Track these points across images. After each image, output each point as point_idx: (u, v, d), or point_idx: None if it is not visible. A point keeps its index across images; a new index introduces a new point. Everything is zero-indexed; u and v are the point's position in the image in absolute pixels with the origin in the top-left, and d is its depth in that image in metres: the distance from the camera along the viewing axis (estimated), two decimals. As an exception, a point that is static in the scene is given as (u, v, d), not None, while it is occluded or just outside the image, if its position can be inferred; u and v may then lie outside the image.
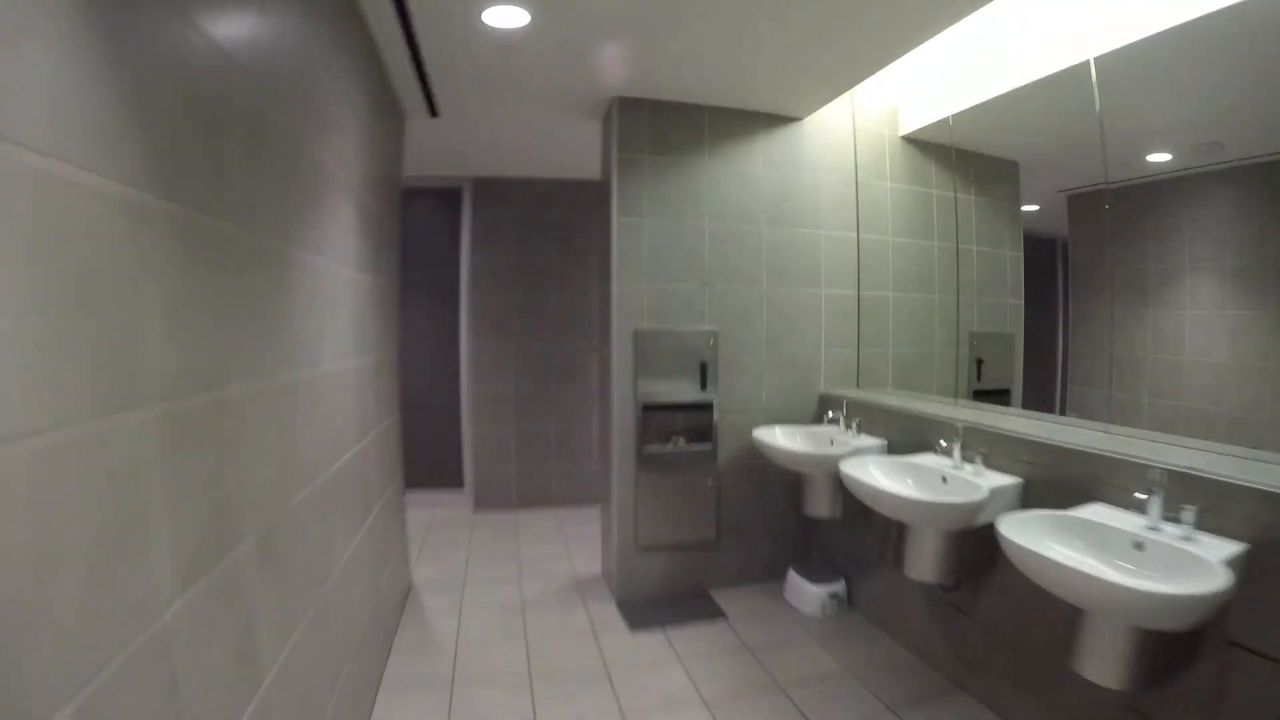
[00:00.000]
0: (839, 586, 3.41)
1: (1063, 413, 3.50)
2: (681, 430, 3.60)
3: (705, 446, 3.62)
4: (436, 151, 4.43)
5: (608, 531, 3.74)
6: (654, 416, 3.58)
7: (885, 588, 3.15)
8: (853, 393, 3.66)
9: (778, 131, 3.67)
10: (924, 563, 2.45)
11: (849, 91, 3.47)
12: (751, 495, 3.71)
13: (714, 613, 3.38)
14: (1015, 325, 3.68)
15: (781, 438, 3.48)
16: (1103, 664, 1.72)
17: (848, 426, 3.36)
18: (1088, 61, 2.94)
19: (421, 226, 5.17)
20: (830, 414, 3.51)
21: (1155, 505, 1.83)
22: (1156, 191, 3.60)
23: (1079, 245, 3.95)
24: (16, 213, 0.76)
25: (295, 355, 1.65)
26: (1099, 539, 1.88)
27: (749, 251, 3.63)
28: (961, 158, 3.76)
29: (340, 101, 2.12)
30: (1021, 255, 3.73)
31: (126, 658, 0.92)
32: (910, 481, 2.66)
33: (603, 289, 3.70)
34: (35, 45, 0.78)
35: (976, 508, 2.23)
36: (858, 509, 3.00)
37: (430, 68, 2.99)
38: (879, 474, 2.70)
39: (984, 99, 3.37)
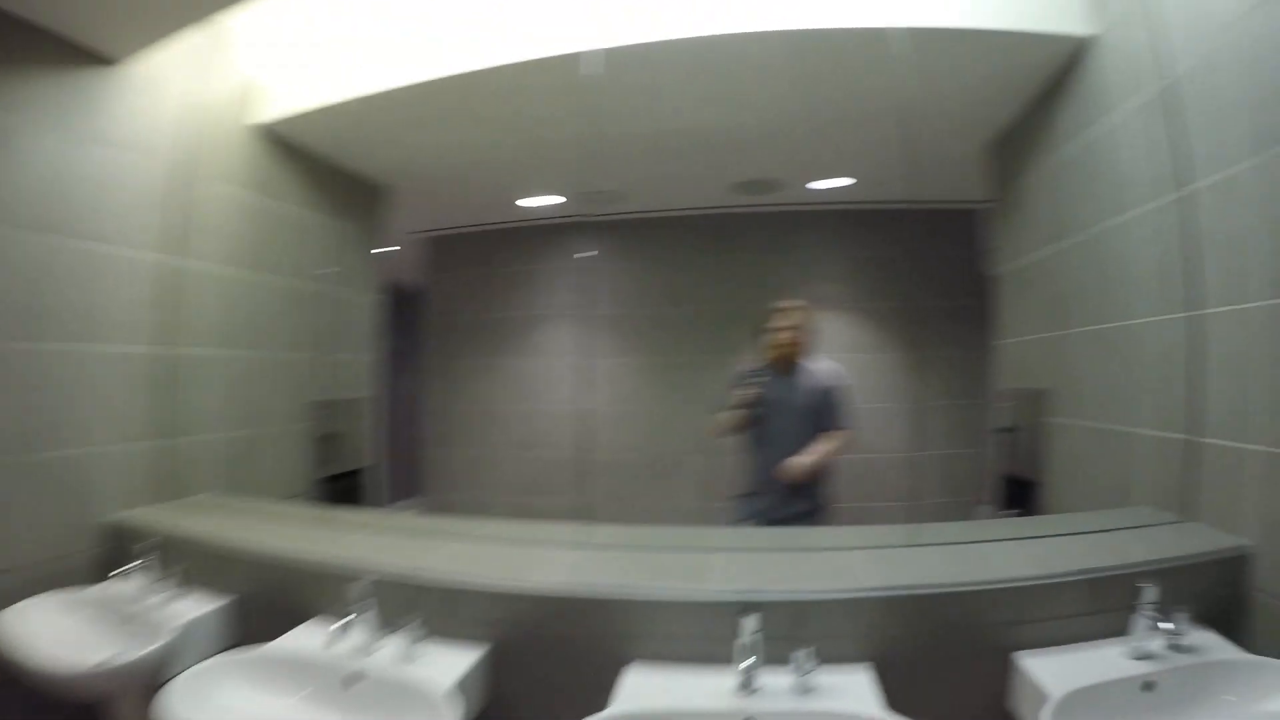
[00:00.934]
0: None
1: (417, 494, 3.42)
2: None
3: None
4: None
5: None
6: None
7: None
8: (168, 517, 2.32)
9: (73, 75, 2.20)
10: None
11: (202, 38, 2.45)
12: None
13: None
14: (366, 386, 3.14)
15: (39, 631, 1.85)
16: None
17: (165, 580, 2.01)
18: (477, 71, 2.45)
19: None
20: (134, 561, 2.06)
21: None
22: (533, 237, 3.57)
23: (438, 293, 3.77)
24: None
25: None
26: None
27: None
28: (325, 170, 2.96)
29: None
30: (379, 302, 3.21)
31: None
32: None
33: None
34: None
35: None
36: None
37: None
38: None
39: (360, 93, 2.60)
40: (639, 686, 1.55)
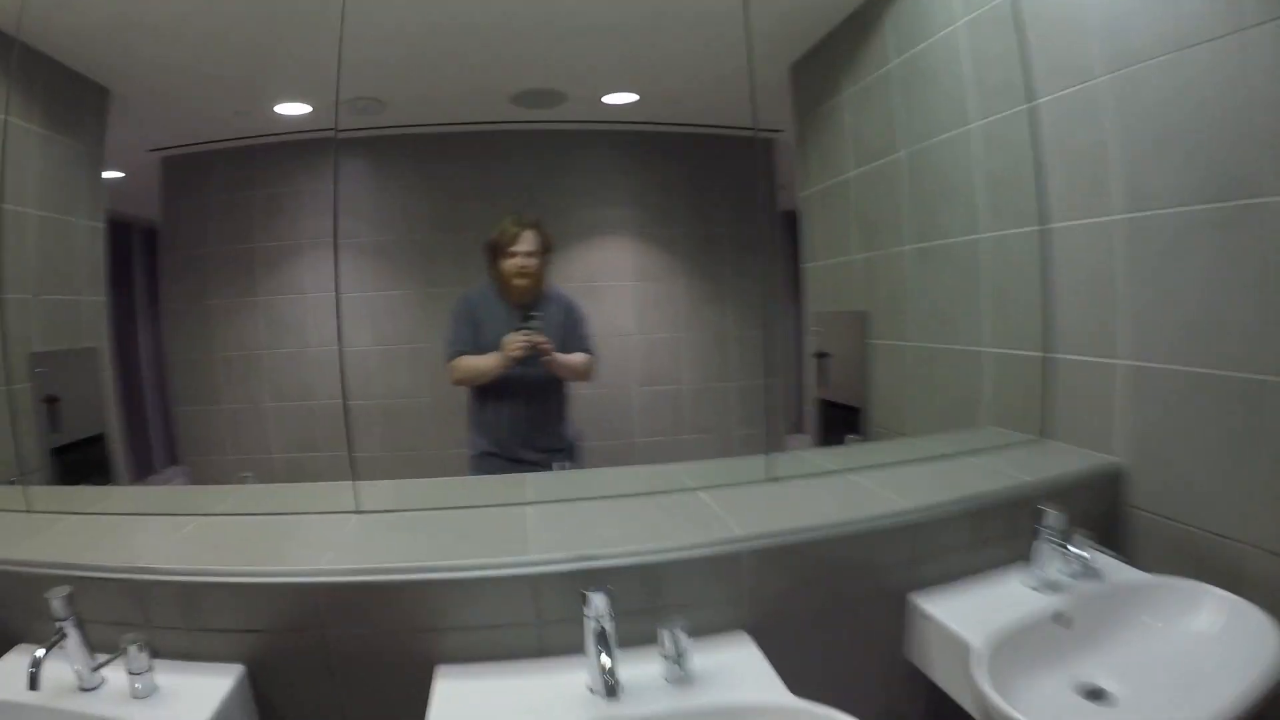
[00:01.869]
0: None
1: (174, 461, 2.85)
2: None
3: None
4: None
5: None
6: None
7: None
8: None
9: None
10: None
11: None
12: None
13: None
14: (99, 334, 2.47)
15: None
16: None
17: None
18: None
19: None
20: None
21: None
22: (278, 156, 2.96)
23: (181, 221, 2.95)
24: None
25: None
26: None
27: None
28: (34, 67, 2.14)
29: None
30: (103, 230, 2.49)
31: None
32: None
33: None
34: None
35: None
36: None
37: None
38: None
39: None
40: (457, 701, 1.10)
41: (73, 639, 1.10)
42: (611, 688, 1.03)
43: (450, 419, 2.51)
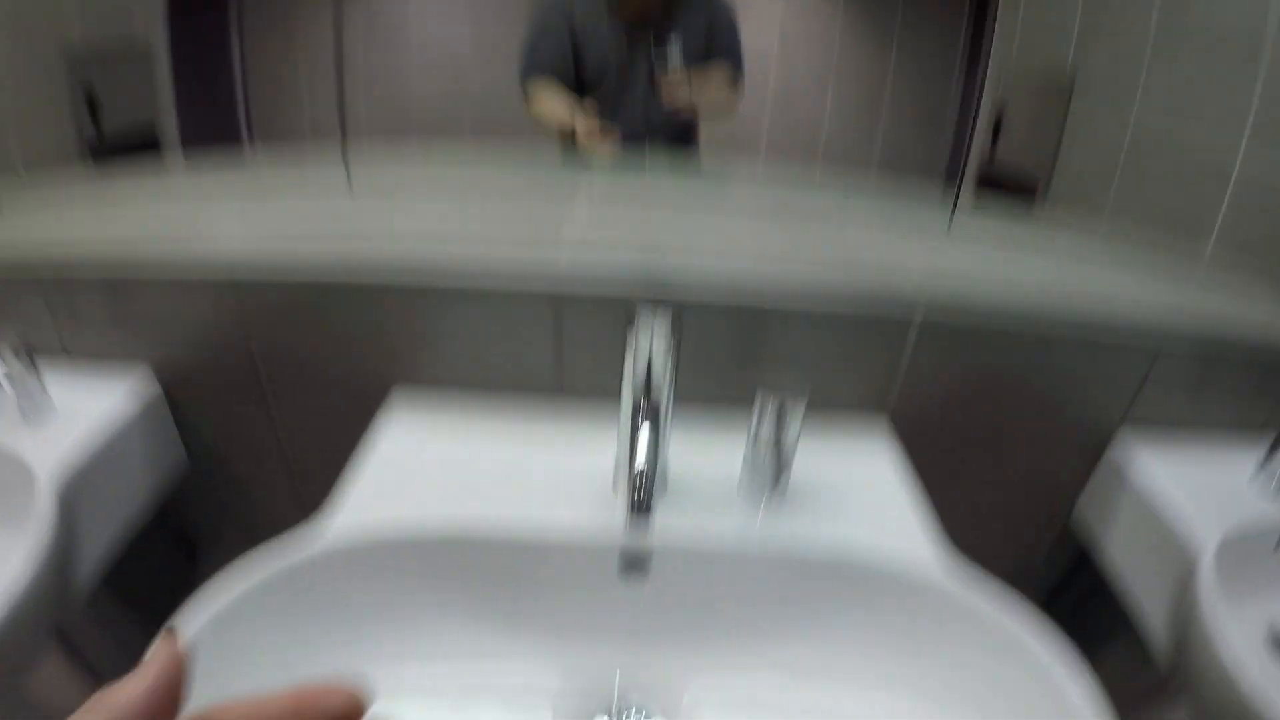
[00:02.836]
0: None
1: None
2: None
3: None
4: None
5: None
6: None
7: None
8: None
9: None
10: None
11: None
12: None
13: None
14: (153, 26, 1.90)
15: None
16: None
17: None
18: None
19: None
20: None
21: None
22: None
23: None
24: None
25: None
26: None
27: None
28: None
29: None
30: None
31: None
32: None
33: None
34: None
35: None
36: None
37: None
38: None
39: None
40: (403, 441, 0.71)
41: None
42: (643, 503, 0.55)
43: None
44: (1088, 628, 1.00)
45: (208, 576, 1.07)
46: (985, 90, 1.32)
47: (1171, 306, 0.87)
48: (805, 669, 0.65)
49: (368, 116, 1.69)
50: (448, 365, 0.79)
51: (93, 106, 1.50)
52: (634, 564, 0.65)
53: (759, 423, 0.65)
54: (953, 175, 1.91)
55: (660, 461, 0.60)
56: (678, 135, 1.42)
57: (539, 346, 0.76)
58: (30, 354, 0.77)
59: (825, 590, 0.64)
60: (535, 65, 1.39)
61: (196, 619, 0.54)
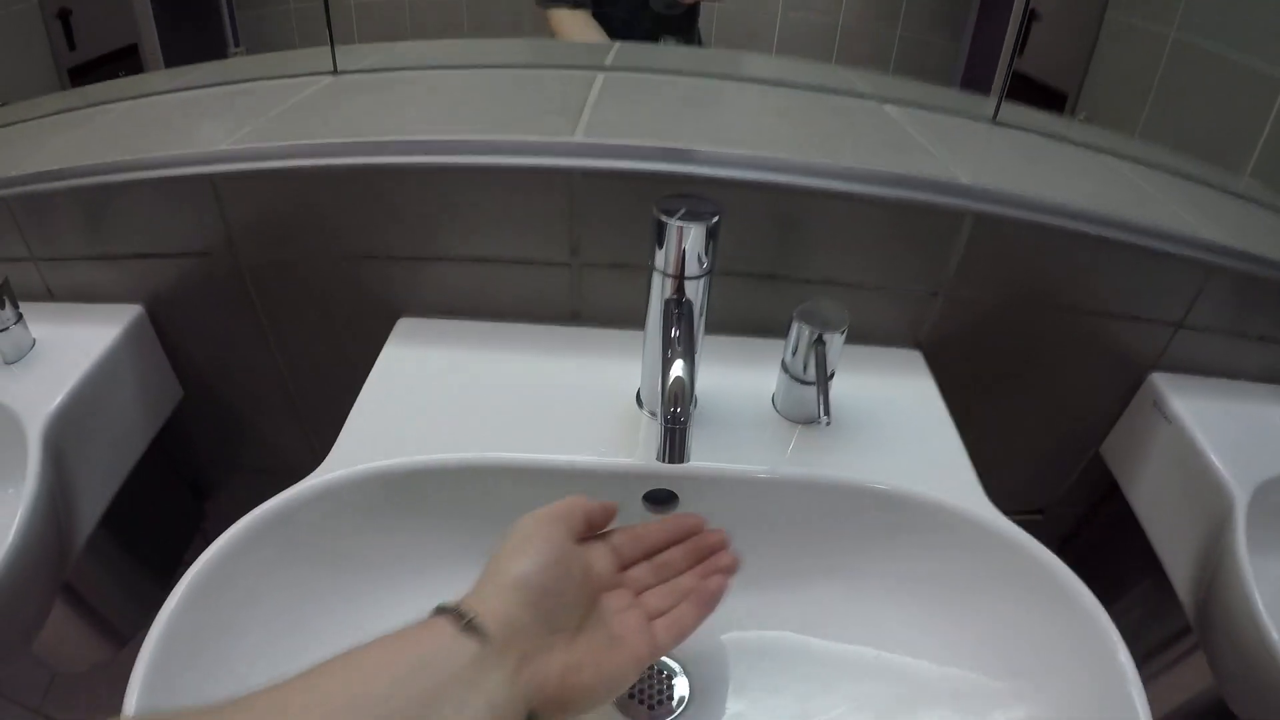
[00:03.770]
0: None
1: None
2: None
3: None
4: None
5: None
6: None
7: None
8: None
9: None
10: None
11: None
12: None
13: None
14: None
15: None
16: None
17: None
18: None
19: None
20: None
21: None
22: None
23: None
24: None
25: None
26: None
27: None
28: None
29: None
30: None
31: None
32: None
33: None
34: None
35: None
36: None
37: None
38: None
39: None
40: (404, 375, 0.66)
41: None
42: (676, 447, 0.49)
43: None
44: (1111, 566, 0.98)
45: (216, 514, 1.04)
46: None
47: (1223, 220, 0.82)
48: (834, 607, 0.62)
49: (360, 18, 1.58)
50: (452, 281, 0.74)
51: (69, 30, 1.42)
52: (661, 501, 0.61)
53: (795, 349, 0.61)
54: (970, 86, 1.80)
55: (693, 389, 0.55)
56: (679, 27, 1.35)
57: (556, 229, 0.70)
58: (10, 293, 0.72)
59: (857, 524, 0.61)
60: None
61: (205, 561, 0.50)
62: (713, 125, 0.71)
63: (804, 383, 0.62)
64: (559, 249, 0.69)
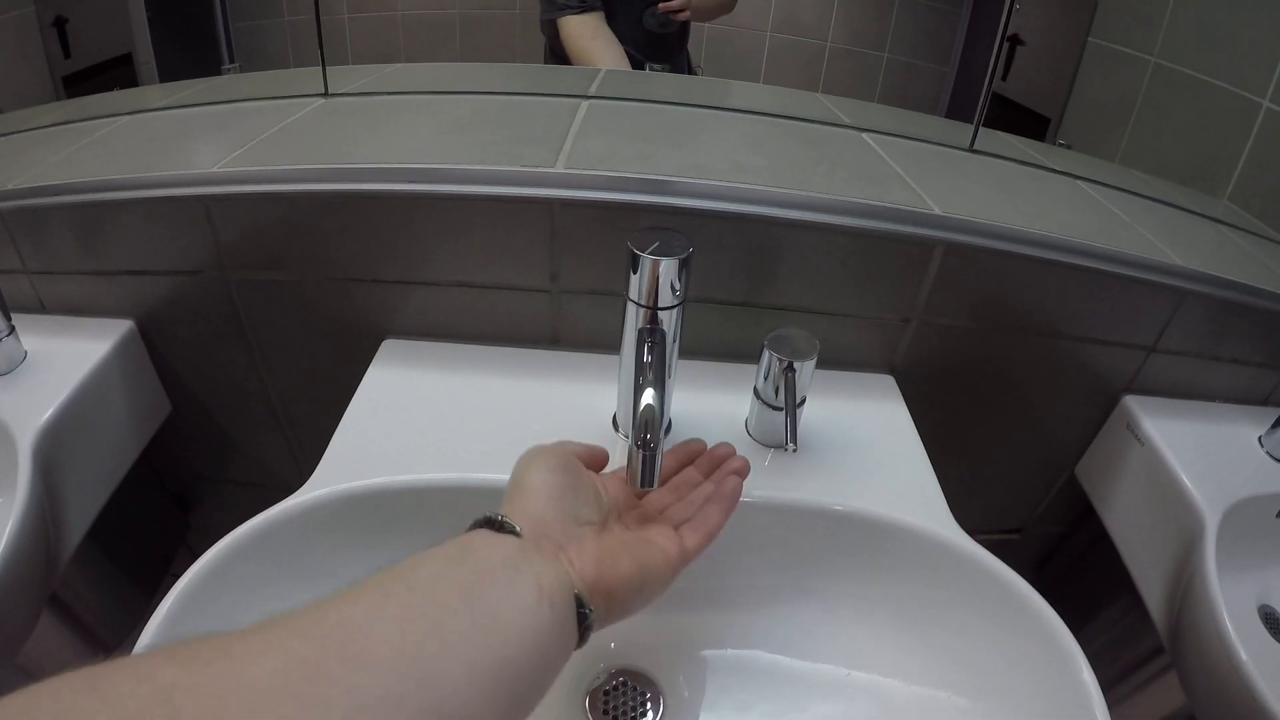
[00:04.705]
0: None
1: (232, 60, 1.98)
2: None
3: None
4: None
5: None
6: None
7: None
8: None
9: None
10: None
11: None
12: None
13: None
14: None
15: None
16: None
17: None
18: None
19: None
20: None
21: None
22: None
23: None
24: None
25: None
26: None
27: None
28: None
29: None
30: None
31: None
32: None
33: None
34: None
35: None
36: None
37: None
38: None
39: None
40: (390, 392, 0.67)
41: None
42: (647, 472, 0.49)
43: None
44: (1087, 585, 1.00)
45: (201, 526, 1.05)
46: (1003, 19, 1.24)
47: (1197, 246, 0.84)
48: (805, 627, 0.63)
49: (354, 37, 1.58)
50: (436, 304, 0.75)
51: (64, 38, 1.43)
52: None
53: (766, 376, 0.62)
54: (956, 111, 1.81)
55: (665, 414, 0.57)
56: (671, 46, 1.35)
57: (537, 257, 0.72)
58: (3, 305, 0.73)
59: (827, 545, 0.62)
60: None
61: (190, 577, 0.51)
62: (691, 156, 0.73)
63: (775, 408, 0.63)
64: (540, 276, 0.71)
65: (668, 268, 0.52)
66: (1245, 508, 0.77)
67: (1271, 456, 0.83)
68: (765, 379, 0.63)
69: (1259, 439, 0.85)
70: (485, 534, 0.40)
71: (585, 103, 0.85)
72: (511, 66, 1.24)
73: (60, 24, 1.58)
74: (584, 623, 0.40)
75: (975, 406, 0.85)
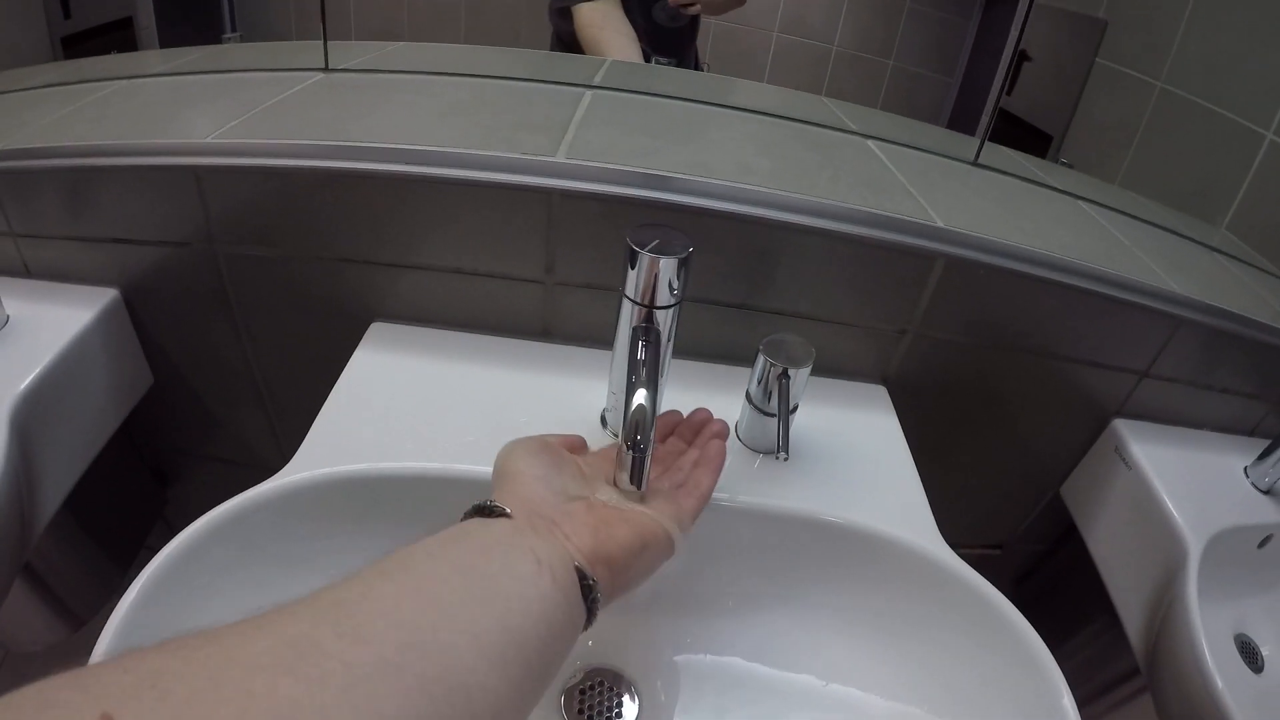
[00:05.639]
0: None
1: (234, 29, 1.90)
2: None
3: None
4: None
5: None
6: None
7: None
8: None
9: None
10: None
11: None
12: None
13: None
14: None
15: None
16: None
17: None
18: None
19: None
20: None
21: None
22: None
23: None
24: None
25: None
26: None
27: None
28: None
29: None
30: None
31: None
32: None
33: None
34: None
35: None
36: None
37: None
38: None
39: None
40: (374, 379, 0.66)
41: None
42: (635, 473, 0.47)
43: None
44: (1066, 604, 1.00)
45: (179, 500, 1.04)
46: (1011, 33, 1.24)
47: (1194, 273, 0.84)
48: (784, 635, 0.63)
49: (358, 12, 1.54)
50: (427, 289, 0.74)
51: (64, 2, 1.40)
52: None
53: (759, 381, 0.62)
54: (957, 122, 1.80)
55: (655, 415, 0.56)
56: (680, 40, 1.34)
57: (532, 247, 0.71)
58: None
59: (810, 554, 0.62)
60: None
61: (164, 557, 0.50)
62: (696, 153, 0.72)
63: (767, 414, 0.62)
64: (534, 266, 0.70)
65: (667, 266, 0.51)
66: (1228, 537, 0.77)
67: (1256, 488, 0.84)
68: (758, 384, 0.62)
69: (1245, 469, 0.85)
70: (478, 520, 0.41)
71: (589, 92, 0.84)
72: (516, 51, 1.22)
73: (68, -6, 1.55)
74: (590, 595, 0.40)
75: (965, 421, 0.85)
